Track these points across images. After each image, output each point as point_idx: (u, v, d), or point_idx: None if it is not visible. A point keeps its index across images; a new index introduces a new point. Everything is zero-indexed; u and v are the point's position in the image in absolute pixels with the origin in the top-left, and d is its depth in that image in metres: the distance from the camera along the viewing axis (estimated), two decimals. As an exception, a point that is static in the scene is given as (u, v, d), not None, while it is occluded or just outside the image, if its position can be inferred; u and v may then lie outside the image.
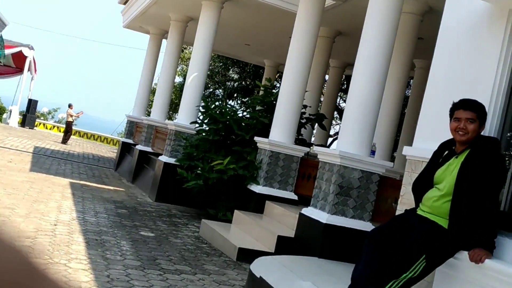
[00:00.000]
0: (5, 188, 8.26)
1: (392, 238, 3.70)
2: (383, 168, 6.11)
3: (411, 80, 13.29)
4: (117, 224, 7.15)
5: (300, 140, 9.05)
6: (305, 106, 9.07)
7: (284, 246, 6.35)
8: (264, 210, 7.83)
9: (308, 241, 6.19)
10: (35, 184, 9.29)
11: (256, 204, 7.89)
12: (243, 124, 8.92)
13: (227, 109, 9.04)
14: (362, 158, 5.96)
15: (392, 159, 11.24)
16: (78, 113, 25.56)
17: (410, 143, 5.71)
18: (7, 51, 28.90)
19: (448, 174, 3.60)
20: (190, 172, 9.11)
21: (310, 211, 6.30)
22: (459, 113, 3.60)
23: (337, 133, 23.46)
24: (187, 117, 10.36)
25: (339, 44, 12.07)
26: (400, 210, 4.53)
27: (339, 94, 19.48)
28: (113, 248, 5.75)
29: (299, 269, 5.08)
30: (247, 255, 6.23)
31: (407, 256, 3.49)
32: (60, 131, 30.64)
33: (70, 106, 23.60)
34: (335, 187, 5.94)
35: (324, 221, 5.89)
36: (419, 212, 3.72)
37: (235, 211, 7.81)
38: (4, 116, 29.63)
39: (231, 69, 23.44)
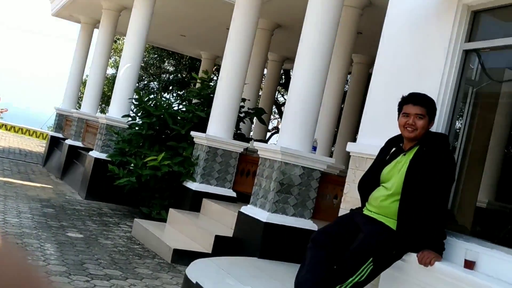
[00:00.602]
0: None
1: (337, 240, 3.47)
2: (325, 164, 5.92)
3: (349, 76, 13.30)
4: (42, 225, 6.62)
5: (238, 135, 8.77)
6: (243, 100, 8.80)
7: (222, 246, 6.05)
8: (201, 209, 7.50)
9: (247, 241, 5.92)
10: (-50, 182, 8.55)
11: (193, 202, 7.55)
12: (179, 118, 8.54)
13: (162, 102, 8.61)
14: (304, 154, 5.75)
15: (331, 154, 11.17)
16: (2, 109, 24.26)
17: (348, 139, 5.55)
18: None
19: (395, 172, 3.42)
20: (122, 169, 8.64)
21: (249, 210, 6.03)
22: (408, 108, 3.42)
23: (275, 128, 23.39)
24: (119, 110, 9.84)
25: (278, 37, 11.88)
26: (344, 209, 4.34)
27: (277, 89, 19.38)
28: (36, 253, 5.26)
29: (238, 272, 4.80)
30: (183, 257, 5.89)
31: (353, 259, 3.28)
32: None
33: (-5, 98, 22.25)
34: (276, 184, 5.70)
35: (264, 220, 5.64)
36: (365, 212, 3.52)
37: (170, 209, 7.44)
38: None
39: (167, 61, 22.85)
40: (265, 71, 16.61)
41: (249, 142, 8.44)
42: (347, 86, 13.46)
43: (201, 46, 16.21)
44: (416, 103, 3.39)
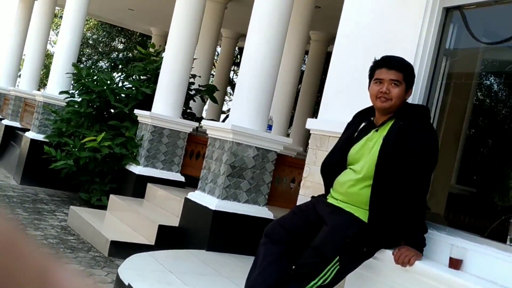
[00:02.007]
0: None
1: (296, 234, 2.88)
2: (281, 145, 5.31)
3: (306, 56, 12.72)
4: (-41, 215, 5.79)
5: (188, 114, 8.08)
6: (193, 76, 8.09)
7: (166, 237, 5.39)
8: (145, 194, 6.81)
9: (194, 231, 5.28)
10: None
11: (136, 187, 6.84)
12: (122, 95, 7.77)
13: (103, 77, 7.81)
14: (258, 133, 5.12)
15: (287, 136, 10.60)
16: None
17: (305, 119, 4.97)
18: None
19: (366, 151, 2.83)
20: (60, 151, 7.82)
21: (197, 196, 5.39)
22: (381, 73, 2.83)
23: (230, 110, 22.70)
24: (58, 86, 8.94)
25: (231, 11, 11.17)
26: (303, 195, 3.75)
27: (232, 68, 18.69)
28: None
29: (182, 268, 4.16)
30: (121, 250, 5.20)
31: (315, 258, 2.69)
32: None
33: None
34: (227, 167, 5.06)
35: (213, 208, 5.01)
36: (330, 200, 2.92)
37: (111, 196, 6.71)
38: None
39: (117, 39, 21.77)
40: (219, 49, 15.90)
41: (200, 122, 7.76)
42: (304, 66, 12.90)
43: (151, 22, 15.32)
44: (391, 67, 2.80)
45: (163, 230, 5.40)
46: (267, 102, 5.29)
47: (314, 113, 10.95)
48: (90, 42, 23.45)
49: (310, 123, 3.94)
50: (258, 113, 5.20)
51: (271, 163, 5.29)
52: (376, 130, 2.85)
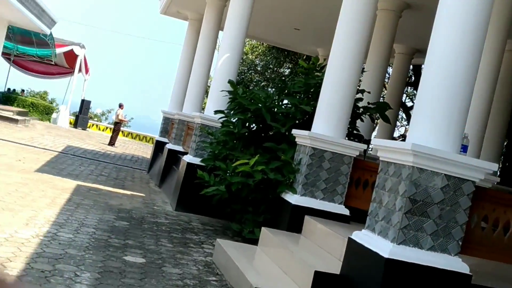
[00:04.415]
0: (-20, 191, 6.58)
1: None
2: (482, 173, 3.88)
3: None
4: (98, 244, 5.24)
5: (354, 136, 6.89)
6: (361, 91, 6.92)
7: (324, 287, 4.23)
8: (302, 229, 5.73)
9: (360, 284, 4.05)
10: (26, 187, 7.57)
11: (292, 220, 5.80)
12: (280, 114, 6.86)
13: (259, 94, 6.97)
14: (449, 156, 3.76)
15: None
16: (125, 118, 24.42)
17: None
18: (58, 50, 28.09)
19: None
20: (214, 176, 7.13)
21: (364, 237, 4.16)
22: None
23: (402, 136, 20.94)
24: (215, 107, 8.34)
25: (406, 22, 9.80)
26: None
27: (405, 90, 17.08)
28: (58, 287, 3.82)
29: None
30: (268, 300, 4.16)
31: None
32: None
33: (120, 106, 22.13)
34: (405, 201, 3.78)
35: (386, 255, 3.74)
36: None
37: (263, 229, 5.74)
38: (54, 116, 28.74)
39: (284, 64, 21.41)
40: (390, 70, 14.48)
41: (368, 145, 6.54)
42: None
43: (317, 42, 14.48)
44: None
45: (320, 278, 4.25)
46: (460, 115, 3.92)
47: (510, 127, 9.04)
48: (259, 68, 23.48)
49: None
50: (448, 129, 3.85)
51: (466, 197, 3.87)
52: None
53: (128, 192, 9.39)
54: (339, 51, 6.12)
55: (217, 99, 8.59)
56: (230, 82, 7.39)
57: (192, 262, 5.35)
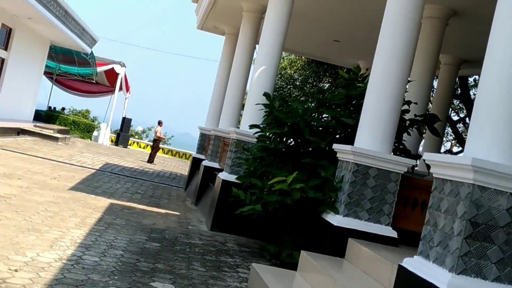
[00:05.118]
0: (10, 210, 6.35)
1: None
2: (556, 192, 3.34)
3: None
4: (125, 269, 4.89)
5: (400, 151, 6.39)
6: (408, 103, 6.42)
7: (371, 321, 3.75)
8: (346, 253, 5.25)
9: (413, 318, 3.54)
10: (57, 206, 7.34)
11: (334, 243, 5.33)
12: (320, 128, 6.43)
13: (297, 107, 6.56)
14: (518, 172, 3.25)
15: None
16: (164, 136, 24.44)
17: None
18: (99, 69, 28.46)
19: None
20: (250, 194, 6.73)
21: (417, 264, 3.66)
22: None
23: (449, 151, 20.10)
24: (251, 121, 7.97)
25: (453, 29, 9.23)
26: None
27: (451, 103, 16.35)
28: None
29: None
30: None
31: None
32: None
33: (160, 123, 22.11)
34: (464, 224, 3.28)
35: (444, 286, 3.24)
36: None
37: (302, 252, 5.28)
38: (95, 134, 29.03)
39: (324, 79, 20.94)
40: (435, 84, 13.84)
41: (416, 160, 6.03)
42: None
43: (357, 54, 13.99)
44: None
45: (366, 311, 3.77)
46: (528, 125, 3.40)
47: None
48: (297, 83, 23.09)
49: None
50: (514, 141, 3.34)
51: (537, 220, 3.34)
52: None
53: (163, 211, 9.08)
54: (383, 58, 5.67)
55: (253, 114, 8.23)
56: (265, 94, 7.02)
57: (226, 288, 4.94)
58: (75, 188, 9.52)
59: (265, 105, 6.86)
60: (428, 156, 3.75)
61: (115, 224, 6.94)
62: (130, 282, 4.49)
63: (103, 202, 8.54)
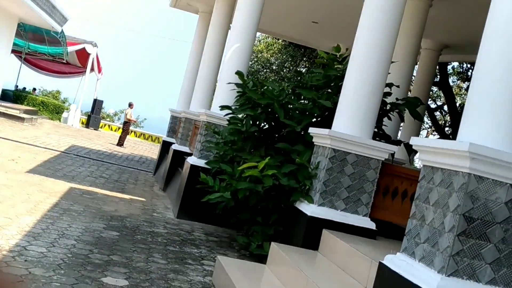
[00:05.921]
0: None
1: None
2: (561, 184, 2.93)
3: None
4: (75, 261, 4.38)
5: (380, 136, 5.97)
6: (390, 85, 5.99)
7: (348, 326, 3.31)
8: (320, 245, 4.82)
9: (395, 325, 3.12)
10: (9, 190, 6.76)
11: (307, 234, 4.89)
12: (296, 110, 5.96)
13: (271, 88, 6.08)
14: (521, 160, 2.84)
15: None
16: (135, 118, 23.79)
17: None
18: (70, 48, 27.45)
19: None
20: (219, 180, 6.24)
21: (400, 263, 3.23)
22: None
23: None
24: (222, 102, 7.48)
25: (436, 11, 8.84)
26: None
27: (431, 91, 16.06)
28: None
29: None
30: None
31: None
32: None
33: (130, 105, 21.38)
34: (458, 219, 2.86)
35: (432, 291, 2.81)
36: None
37: (272, 244, 4.84)
38: (65, 115, 28.11)
39: (301, 63, 20.49)
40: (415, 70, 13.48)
41: (398, 146, 5.61)
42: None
43: (337, 36, 13.51)
44: None
45: (342, 314, 3.33)
46: (530, 107, 2.98)
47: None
48: (274, 67, 22.61)
49: None
50: (516, 125, 2.92)
51: (538, 215, 2.93)
52: None
53: (127, 197, 8.54)
54: (365, 35, 5.21)
55: (225, 94, 7.72)
56: (238, 73, 6.50)
57: (187, 284, 4.46)
58: (33, 170, 8.91)
59: (237, 84, 6.35)
60: (416, 141, 3.31)
61: (72, 210, 6.40)
62: (78, 278, 3.98)
63: (62, 186, 7.96)
